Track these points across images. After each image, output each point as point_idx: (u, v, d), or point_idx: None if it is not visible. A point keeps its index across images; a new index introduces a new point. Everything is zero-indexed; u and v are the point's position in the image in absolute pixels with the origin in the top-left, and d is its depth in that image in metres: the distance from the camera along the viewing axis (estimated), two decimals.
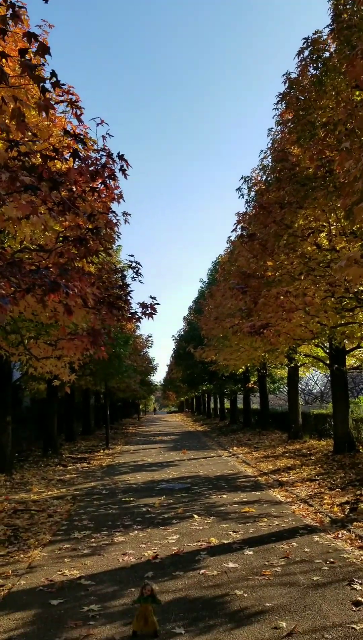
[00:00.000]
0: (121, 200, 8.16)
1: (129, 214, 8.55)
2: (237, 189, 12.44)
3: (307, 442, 19.44)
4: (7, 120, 4.57)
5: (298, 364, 21.04)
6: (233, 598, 5.19)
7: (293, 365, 20.77)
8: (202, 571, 6.04)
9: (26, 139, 5.19)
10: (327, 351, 16.50)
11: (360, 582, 5.44)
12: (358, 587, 5.30)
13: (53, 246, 6.93)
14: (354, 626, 4.41)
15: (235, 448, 20.91)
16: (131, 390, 39.33)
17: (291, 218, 9.57)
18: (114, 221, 8.18)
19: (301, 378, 29.80)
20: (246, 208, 12.88)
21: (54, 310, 7.12)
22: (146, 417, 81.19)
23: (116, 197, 8.01)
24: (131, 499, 10.93)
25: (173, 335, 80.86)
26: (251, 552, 6.69)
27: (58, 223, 7.32)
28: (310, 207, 9.21)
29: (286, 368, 22.62)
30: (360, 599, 4.97)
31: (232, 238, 16.60)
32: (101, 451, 21.98)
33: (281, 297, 9.70)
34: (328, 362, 16.58)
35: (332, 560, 6.22)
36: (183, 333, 47.92)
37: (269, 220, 9.72)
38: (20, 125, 4.45)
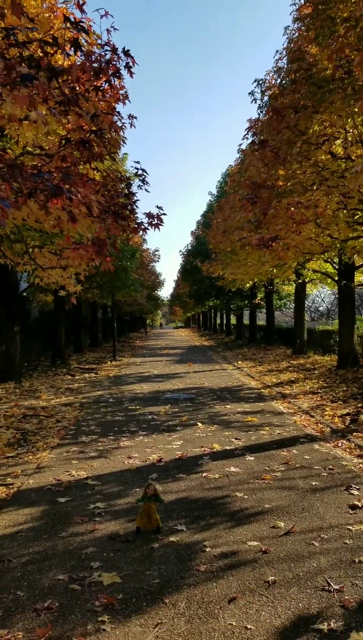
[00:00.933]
0: (126, 101, 7.73)
1: (135, 117, 8.11)
2: (249, 93, 11.63)
3: (311, 357, 19.68)
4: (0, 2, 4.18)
5: (306, 280, 20.89)
6: (233, 499, 5.38)
7: (301, 281, 20.62)
8: (204, 474, 6.25)
9: (24, 26, 4.78)
10: (336, 267, 16.28)
11: (357, 487, 5.61)
12: (356, 492, 5.47)
13: (56, 150, 6.62)
14: (350, 527, 4.58)
15: (239, 362, 21.23)
16: (137, 304, 39.66)
17: (305, 124, 9.06)
18: (119, 124, 7.77)
19: (308, 295, 29.79)
20: (259, 114, 12.14)
21: (58, 218, 6.94)
22: (153, 332, 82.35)
23: (121, 97, 7.57)
24: (137, 407, 11.21)
25: (180, 251, 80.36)
26: (252, 458, 6.90)
27: (60, 125, 6.96)
28: (326, 111, 8.68)
29: (294, 284, 22.50)
30: (356, 503, 5.14)
31: (243, 147, 15.86)
32: (109, 362, 22.41)
33: (292, 208, 9.40)
34: (336, 278, 16.41)
35: (330, 467, 6.41)
36: (190, 248, 47.50)
37: (282, 126, 9.21)
38: (16, 8, 4.07)
